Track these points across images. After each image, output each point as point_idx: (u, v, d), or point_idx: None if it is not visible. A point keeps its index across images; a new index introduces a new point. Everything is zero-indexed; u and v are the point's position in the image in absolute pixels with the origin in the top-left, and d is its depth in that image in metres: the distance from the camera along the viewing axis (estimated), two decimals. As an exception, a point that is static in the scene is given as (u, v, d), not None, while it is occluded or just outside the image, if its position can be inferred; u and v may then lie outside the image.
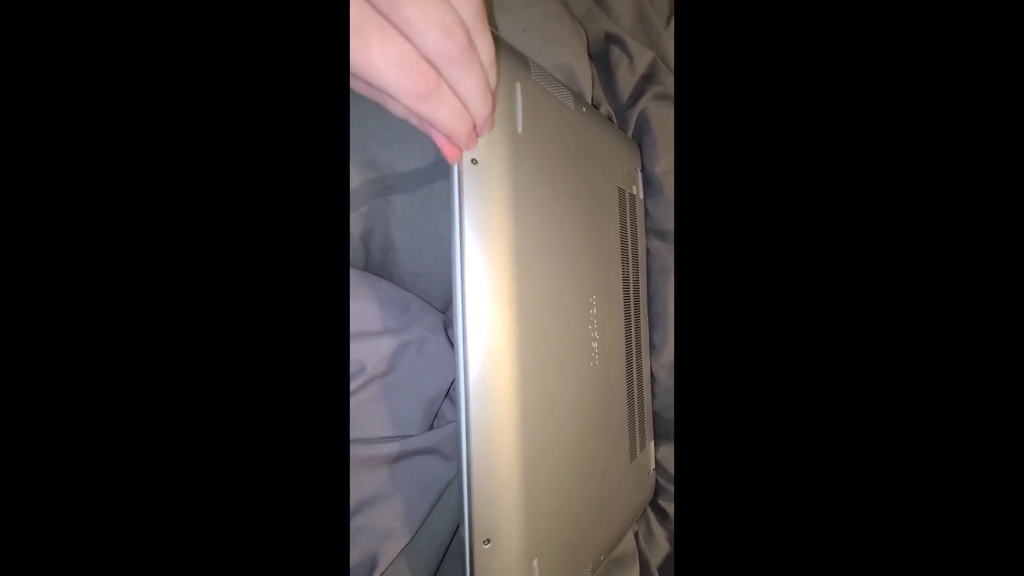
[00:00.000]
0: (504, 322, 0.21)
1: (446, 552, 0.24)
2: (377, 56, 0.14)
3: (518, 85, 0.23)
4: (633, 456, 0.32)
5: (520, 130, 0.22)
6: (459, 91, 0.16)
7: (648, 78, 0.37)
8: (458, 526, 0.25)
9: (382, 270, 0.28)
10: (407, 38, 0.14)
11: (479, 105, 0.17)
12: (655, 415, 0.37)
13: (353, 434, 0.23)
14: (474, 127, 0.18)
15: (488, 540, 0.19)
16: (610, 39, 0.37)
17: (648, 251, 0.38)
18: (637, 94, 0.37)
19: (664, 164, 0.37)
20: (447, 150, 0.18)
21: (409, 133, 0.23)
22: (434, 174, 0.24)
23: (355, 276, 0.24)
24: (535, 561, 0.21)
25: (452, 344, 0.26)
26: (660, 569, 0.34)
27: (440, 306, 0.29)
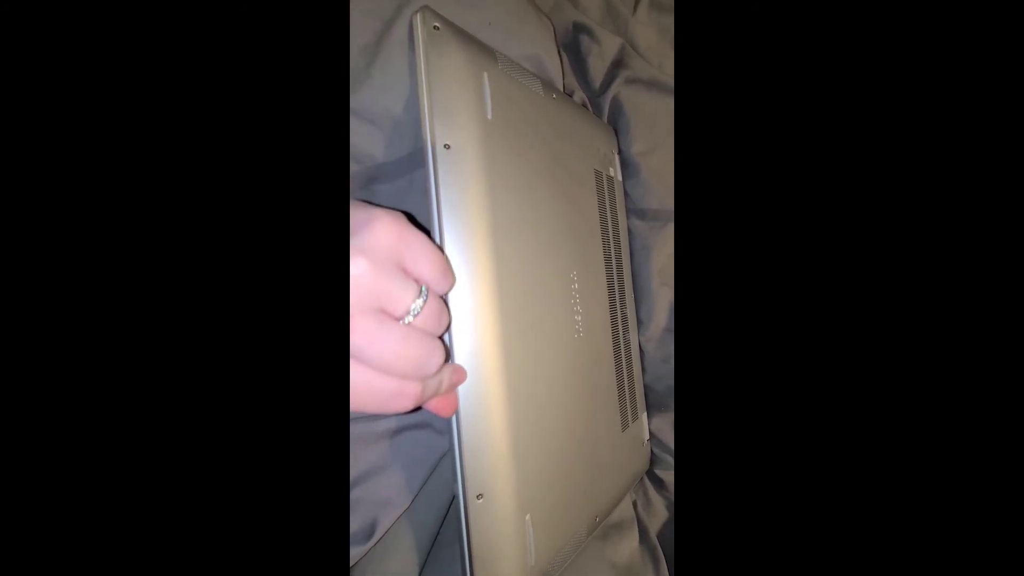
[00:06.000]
0: (485, 297, 0.22)
1: (444, 519, 0.26)
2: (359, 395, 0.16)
3: (485, 74, 0.24)
4: (625, 426, 0.33)
5: (490, 116, 0.24)
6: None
7: (618, 64, 0.39)
8: (454, 497, 0.26)
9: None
10: (387, 373, 0.17)
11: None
12: (646, 387, 0.38)
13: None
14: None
15: (481, 495, 0.20)
16: (578, 29, 0.38)
17: (629, 230, 0.39)
18: (609, 80, 0.39)
19: (639, 146, 0.39)
20: (441, 410, 0.20)
21: (385, 124, 0.24)
22: (412, 164, 0.25)
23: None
24: (528, 516, 0.22)
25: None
26: (659, 535, 0.35)
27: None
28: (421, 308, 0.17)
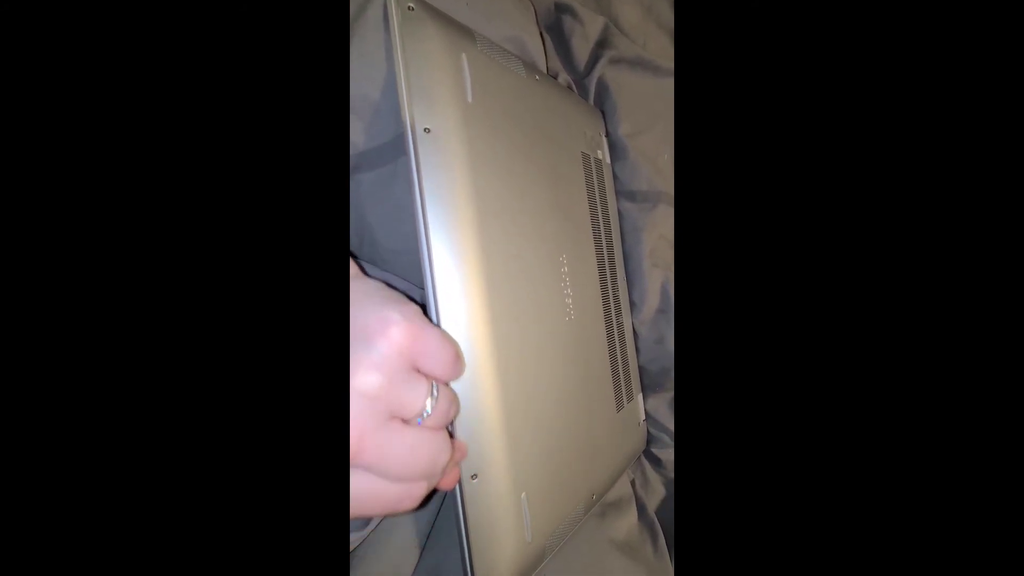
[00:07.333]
0: (473, 281, 0.22)
1: (442, 503, 0.26)
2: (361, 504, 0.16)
3: (464, 56, 0.24)
4: (620, 406, 0.33)
5: (470, 99, 0.24)
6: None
7: (602, 44, 0.38)
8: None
9: (361, 253, 0.29)
10: (395, 480, 0.16)
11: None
12: (641, 369, 0.38)
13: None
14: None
15: (475, 475, 0.21)
16: (560, 9, 0.38)
17: (619, 212, 0.39)
18: (593, 61, 0.38)
19: (626, 127, 0.38)
20: (444, 486, 0.20)
21: (364, 111, 0.24)
22: (395, 151, 0.25)
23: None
24: (523, 494, 0.22)
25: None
26: (657, 512, 0.36)
27: (420, 281, 0.30)
28: (432, 408, 0.17)
